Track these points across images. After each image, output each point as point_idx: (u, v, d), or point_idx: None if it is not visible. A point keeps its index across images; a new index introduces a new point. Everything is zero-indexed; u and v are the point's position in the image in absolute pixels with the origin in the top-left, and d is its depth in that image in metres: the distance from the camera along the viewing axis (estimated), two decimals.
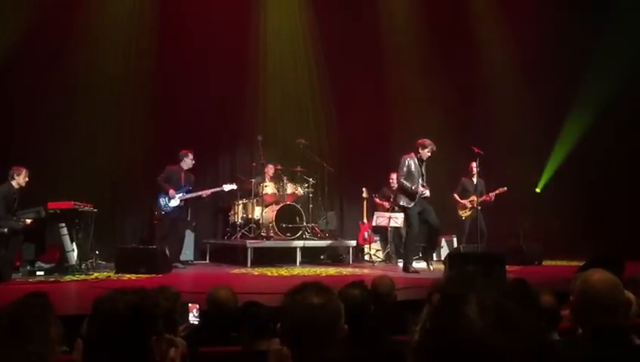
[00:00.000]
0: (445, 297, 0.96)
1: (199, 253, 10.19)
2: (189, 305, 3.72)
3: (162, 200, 8.90)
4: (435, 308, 0.96)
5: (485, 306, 0.92)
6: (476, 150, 7.96)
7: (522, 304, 0.95)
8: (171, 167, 9.08)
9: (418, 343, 0.95)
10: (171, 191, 8.85)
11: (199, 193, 9.13)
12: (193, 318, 3.69)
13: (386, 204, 10.24)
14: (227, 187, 9.39)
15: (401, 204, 8.10)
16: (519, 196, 10.58)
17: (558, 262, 9.65)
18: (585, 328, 2.23)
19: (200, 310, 3.71)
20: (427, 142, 8.02)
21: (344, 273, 8.06)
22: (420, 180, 8.00)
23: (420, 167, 8.05)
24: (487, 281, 0.97)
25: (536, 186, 11.86)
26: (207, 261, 10.14)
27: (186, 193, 8.99)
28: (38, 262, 7.68)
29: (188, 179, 9.11)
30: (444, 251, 10.35)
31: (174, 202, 8.89)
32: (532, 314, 0.96)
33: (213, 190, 9.27)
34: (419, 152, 8.01)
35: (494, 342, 0.88)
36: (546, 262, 9.64)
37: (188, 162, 9.08)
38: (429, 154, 8.00)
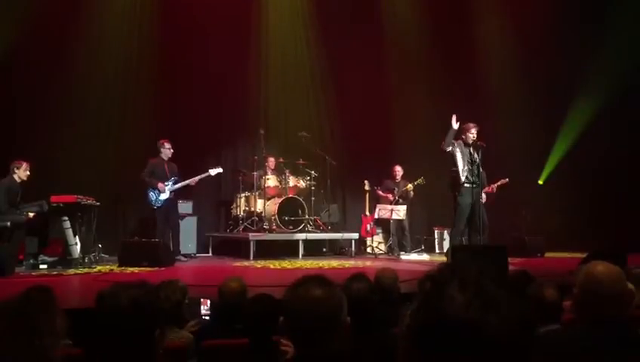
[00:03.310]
0: (433, 282, 1.02)
1: (202, 246, 10.21)
2: (202, 300, 3.73)
3: (152, 195, 8.88)
4: (424, 293, 1.02)
5: (466, 284, 0.98)
6: (479, 142, 7.94)
7: (504, 285, 1.00)
8: (152, 160, 9.05)
9: (407, 325, 0.99)
10: (161, 185, 8.84)
11: (187, 181, 9.12)
12: (205, 312, 3.70)
13: (390, 196, 10.24)
14: (213, 171, 9.36)
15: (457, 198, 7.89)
16: (521, 188, 10.56)
17: (561, 254, 9.65)
18: (585, 319, 2.24)
19: (206, 303, 3.72)
20: (469, 124, 7.92)
21: (346, 265, 8.06)
22: (468, 167, 7.82)
23: (471, 154, 7.87)
24: (471, 266, 1.03)
25: (538, 178, 11.84)
26: (210, 254, 10.17)
27: (174, 184, 8.99)
28: (42, 256, 7.70)
29: (171, 169, 9.09)
30: (447, 243, 10.36)
31: (164, 195, 8.89)
32: (514, 295, 1.00)
33: (200, 176, 9.24)
34: (462, 137, 7.90)
35: (473, 315, 0.94)
36: (549, 254, 9.65)
37: (166, 152, 9.06)
38: (473, 136, 7.85)
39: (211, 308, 3.76)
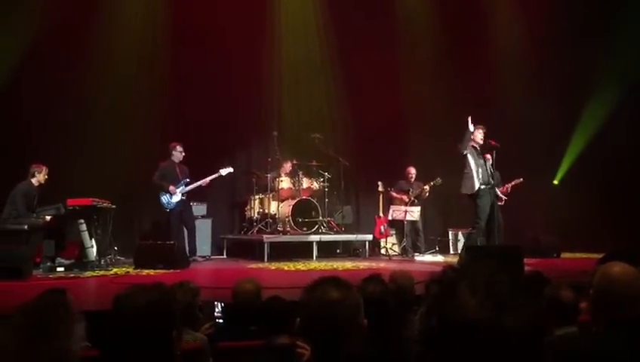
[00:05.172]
0: (442, 285, 1.01)
1: (216, 248, 10.25)
2: (215, 302, 3.74)
3: (164, 198, 8.96)
4: (433, 295, 1.01)
5: (476, 287, 0.98)
6: (493, 143, 7.90)
7: (514, 285, 1.01)
8: (163, 163, 9.13)
9: (419, 329, 1.00)
10: (172, 188, 8.91)
11: (198, 183, 9.17)
12: (217, 315, 3.72)
13: (405, 198, 10.22)
14: (224, 171, 9.40)
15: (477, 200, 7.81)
16: (536, 188, 10.49)
17: (577, 255, 9.57)
18: (601, 320, 2.22)
19: (222, 305, 3.73)
20: (476, 126, 7.89)
21: (361, 267, 8.06)
22: (481, 169, 7.82)
23: (481, 159, 7.88)
24: (478, 266, 1.04)
25: (553, 178, 11.76)
26: (224, 256, 10.19)
27: (185, 186, 9.04)
28: (58, 259, 7.77)
29: (183, 171, 9.15)
30: (461, 244, 10.32)
31: (176, 197, 8.95)
32: (525, 296, 1.01)
33: (211, 177, 9.29)
34: (471, 141, 7.88)
35: (486, 317, 0.95)
36: (564, 255, 9.57)
37: (178, 155, 9.14)
38: (481, 136, 7.84)
39: (224, 310, 3.77)
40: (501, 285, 0.99)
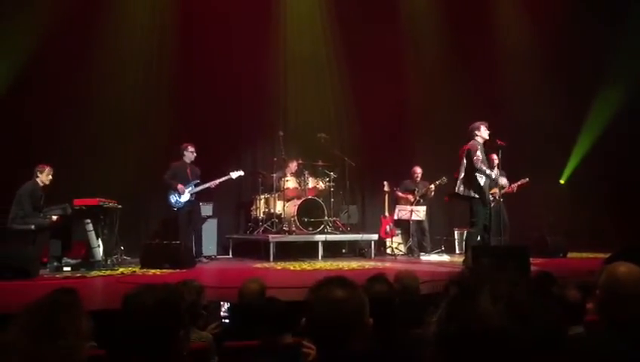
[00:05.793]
0: (461, 288, 1.01)
1: (222, 248, 10.27)
2: (221, 302, 3.76)
3: (172, 198, 8.99)
4: (451, 298, 1.00)
5: (498, 296, 0.97)
6: (499, 142, 7.86)
7: (535, 294, 1.00)
8: (175, 163, 9.17)
9: (435, 333, 0.99)
10: (180, 187, 8.94)
11: (208, 184, 9.20)
12: (223, 315, 3.73)
13: (410, 197, 10.20)
14: (234, 174, 9.43)
15: (471, 195, 7.72)
16: (543, 187, 10.46)
17: (584, 255, 9.53)
18: (608, 321, 2.22)
19: (228, 304, 3.75)
20: (478, 123, 7.79)
21: (366, 267, 8.05)
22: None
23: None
24: (500, 273, 1.03)
25: (560, 177, 11.73)
26: (230, 255, 10.21)
27: (195, 186, 9.07)
28: (65, 258, 7.80)
29: (194, 172, 9.19)
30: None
31: (185, 197, 8.98)
32: (545, 304, 1.00)
33: (220, 179, 9.32)
34: (475, 135, 7.76)
35: (506, 328, 0.94)
36: (571, 255, 9.53)
37: (190, 155, 9.17)
38: (487, 133, 7.79)
39: (230, 310, 3.78)
40: (523, 293, 0.98)
